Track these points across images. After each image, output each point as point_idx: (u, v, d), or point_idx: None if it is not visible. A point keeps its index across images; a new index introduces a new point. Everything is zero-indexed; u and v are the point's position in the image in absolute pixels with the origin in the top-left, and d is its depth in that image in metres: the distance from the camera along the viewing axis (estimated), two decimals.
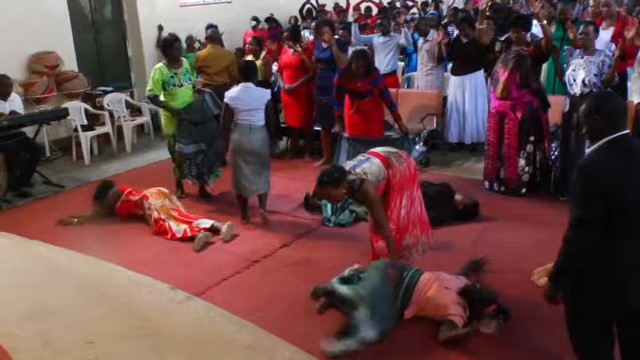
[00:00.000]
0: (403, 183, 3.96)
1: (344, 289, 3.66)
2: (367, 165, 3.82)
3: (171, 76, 5.75)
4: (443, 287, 3.62)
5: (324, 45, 6.79)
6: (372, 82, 5.70)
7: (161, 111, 6.22)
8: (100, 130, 8.05)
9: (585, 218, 2.36)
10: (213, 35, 7.69)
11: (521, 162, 5.59)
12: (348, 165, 3.88)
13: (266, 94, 5.30)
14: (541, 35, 5.62)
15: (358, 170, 3.76)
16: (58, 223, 5.59)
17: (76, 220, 5.61)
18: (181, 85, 5.80)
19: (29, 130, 6.77)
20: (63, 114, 7.09)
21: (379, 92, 5.75)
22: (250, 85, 5.27)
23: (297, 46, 7.04)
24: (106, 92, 8.55)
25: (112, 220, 5.65)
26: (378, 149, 4.07)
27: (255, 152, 5.22)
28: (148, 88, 5.83)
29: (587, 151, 2.50)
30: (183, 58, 6.01)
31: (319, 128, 7.14)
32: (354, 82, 5.73)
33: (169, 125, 5.91)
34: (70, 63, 8.35)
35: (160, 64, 5.84)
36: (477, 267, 4.12)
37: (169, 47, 5.84)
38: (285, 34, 7.57)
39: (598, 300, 2.45)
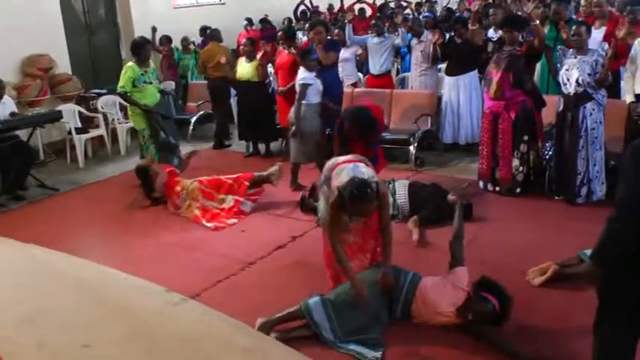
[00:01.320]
0: None
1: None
2: (364, 169, 3.73)
3: (142, 74, 6.19)
4: (441, 314, 3.54)
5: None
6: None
7: (129, 108, 6.50)
8: (94, 132, 8.04)
9: (629, 198, 2.31)
10: (212, 33, 8.62)
11: (515, 162, 5.60)
12: (347, 175, 3.67)
13: (302, 78, 6.01)
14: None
15: (366, 177, 3.62)
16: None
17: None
18: (150, 83, 6.24)
19: (23, 133, 6.75)
20: (57, 117, 7.08)
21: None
22: (301, 69, 6.14)
23: (292, 48, 7.04)
24: (99, 95, 8.53)
25: (107, 223, 5.65)
26: (345, 158, 3.96)
27: (295, 124, 5.99)
28: (120, 85, 6.17)
29: None
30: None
31: None
32: None
33: (139, 120, 6.27)
34: (63, 65, 8.34)
35: (131, 62, 6.22)
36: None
37: (141, 49, 6.31)
38: (280, 33, 7.57)
39: (626, 293, 2.41)
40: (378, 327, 3.57)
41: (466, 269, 3.67)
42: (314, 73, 6.07)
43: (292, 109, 6.06)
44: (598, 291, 2.54)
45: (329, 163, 4.05)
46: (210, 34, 8.70)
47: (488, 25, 7.92)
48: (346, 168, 3.78)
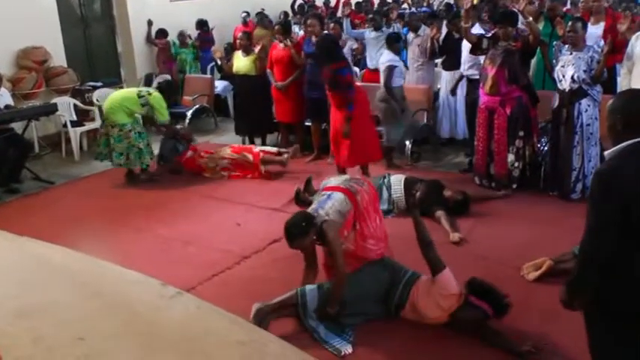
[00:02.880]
0: (371, 200, 3.91)
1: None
2: (329, 204, 3.67)
3: None
4: (435, 304, 3.52)
5: (314, 39, 6.74)
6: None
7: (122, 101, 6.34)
8: (89, 125, 8.00)
9: (600, 226, 2.23)
10: (259, 17, 10.14)
11: (511, 157, 5.60)
12: (310, 209, 3.74)
13: (388, 60, 6.29)
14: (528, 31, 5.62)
15: (321, 212, 3.62)
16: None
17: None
18: None
19: (18, 126, 6.72)
20: (52, 109, 7.05)
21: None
22: (385, 52, 6.50)
23: (287, 40, 7.02)
24: (95, 87, 8.50)
25: (103, 216, 5.64)
26: (334, 182, 3.94)
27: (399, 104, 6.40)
28: (165, 117, 6.42)
29: (606, 153, 2.35)
30: None
31: (310, 123, 7.14)
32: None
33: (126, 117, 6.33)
34: (58, 58, 8.29)
35: (158, 92, 6.39)
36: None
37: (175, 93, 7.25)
38: (276, 27, 7.53)
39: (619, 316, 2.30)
40: (358, 319, 3.63)
41: (448, 271, 3.56)
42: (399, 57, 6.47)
43: (377, 94, 6.23)
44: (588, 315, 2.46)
45: (322, 183, 4.11)
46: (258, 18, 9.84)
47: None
48: (320, 197, 3.78)
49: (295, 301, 3.65)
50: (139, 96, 6.25)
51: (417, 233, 3.59)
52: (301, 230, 3.54)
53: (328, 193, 3.78)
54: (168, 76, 9.37)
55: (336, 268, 3.62)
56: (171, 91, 6.91)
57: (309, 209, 3.73)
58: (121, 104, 6.21)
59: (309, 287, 3.69)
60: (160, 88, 6.58)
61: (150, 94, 6.27)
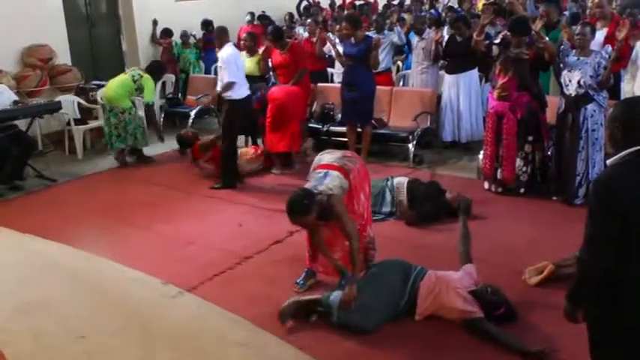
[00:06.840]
0: (361, 180, 3.97)
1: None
2: (329, 180, 3.71)
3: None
4: (454, 289, 3.57)
5: (353, 41, 6.56)
6: None
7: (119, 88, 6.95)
8: (93, 124, 7.99)
9: (599, 237, 2.20)
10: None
11: (519, 162, 5.56)
12: (309, 185, 3.75)
13: None
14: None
15: (322, 188, 3.65)
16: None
17: None
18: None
19: (22, 123, 6.73)
20: (56, 107, 7.07)
21: None
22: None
23: (285, 43, 6.95)
24: (99, 86, 8.47)
25: (104, 215, 5.64)
26: (328, 160, 3.94)
27: None
28: (152, 98, 7.06)
29: (608, 162, 2.32)
30: None
31: (316, 126, 7.15)
32: None
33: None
34: (63, 56, 8.31)
35: (149, 76, 6.99)
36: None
37: (164, 72, 7.71)
38: (268, 37, 7.17)
39: (619, 330, 2.28)
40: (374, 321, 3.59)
41: (474, 266, 3.79)
42: None
43: None
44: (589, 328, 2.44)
45: (315, 159, 4.09)
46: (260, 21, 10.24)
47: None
48: (317, 175, 3.82)
49: (321, 303, 3.67)
50: (134, 80, 6.89)
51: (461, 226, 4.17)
52: (304, 208, 3.55)
53: (324, 171, 3.81)
54: (172, 76, 9.40)
55: (350, 237, 3.65)
56: (161, 72, 7.47)
57: (308, 186, 3.74)
58: (125, 90, 6.83)
59: (334, 292, 3.69)
60: (151, 69, 7.06)
61: (141, 76, 6.85)
